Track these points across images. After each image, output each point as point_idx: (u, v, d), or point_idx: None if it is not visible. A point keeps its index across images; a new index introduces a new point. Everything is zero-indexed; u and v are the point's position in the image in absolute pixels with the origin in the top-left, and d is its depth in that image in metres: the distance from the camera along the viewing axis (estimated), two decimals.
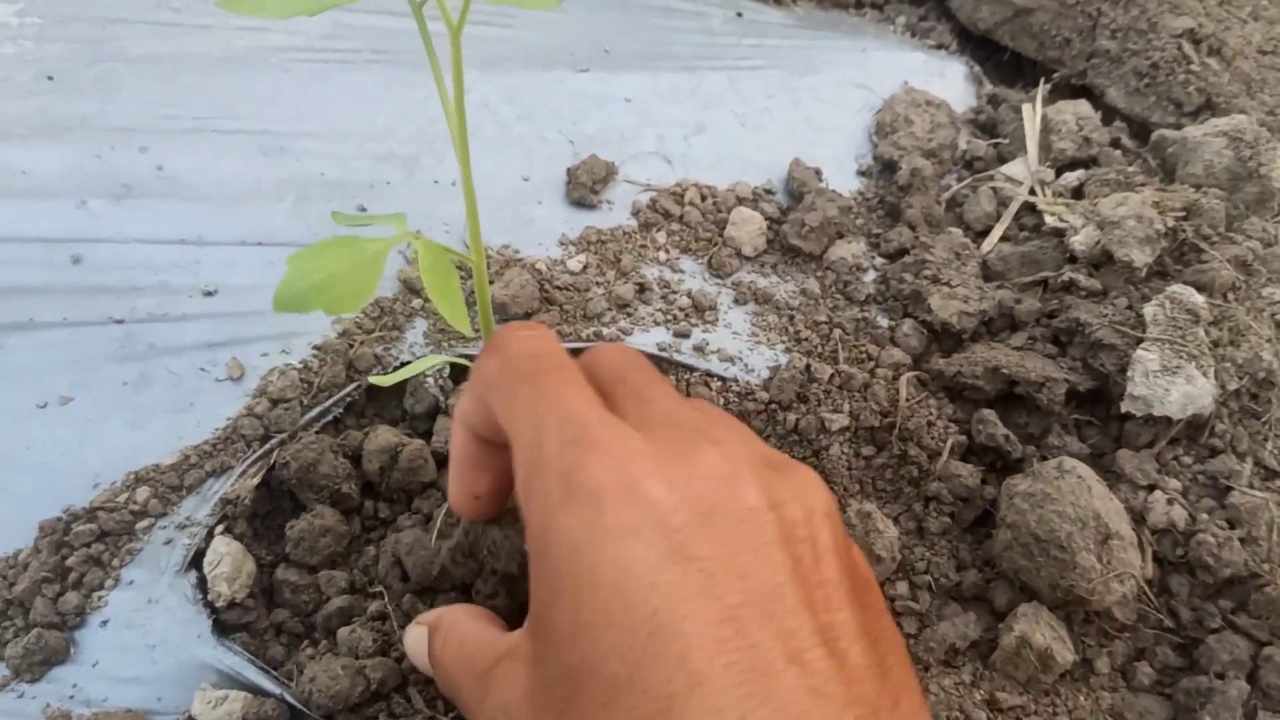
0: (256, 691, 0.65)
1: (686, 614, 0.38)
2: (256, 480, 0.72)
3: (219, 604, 0.68)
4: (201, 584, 0.69)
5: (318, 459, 0.71)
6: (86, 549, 0.69)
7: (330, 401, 0.75)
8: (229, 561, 0.68)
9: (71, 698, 0.65)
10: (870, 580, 0.47)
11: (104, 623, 0.67)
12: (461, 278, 0.81)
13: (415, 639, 0.57)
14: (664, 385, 0.51)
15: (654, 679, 0.38)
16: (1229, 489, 0.74)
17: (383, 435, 0.73)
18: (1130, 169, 0.92)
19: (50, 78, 0.88)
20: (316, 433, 0.75)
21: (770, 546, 0.41)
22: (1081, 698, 0.70)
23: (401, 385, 0.76)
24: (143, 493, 0.71)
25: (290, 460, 0.71)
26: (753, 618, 0.39)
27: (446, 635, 0.54)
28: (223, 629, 0.68)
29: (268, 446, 0.73)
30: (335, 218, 0.57)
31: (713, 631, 0.38)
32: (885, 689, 0.41)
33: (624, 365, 0.52)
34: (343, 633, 0.66)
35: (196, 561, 0.69)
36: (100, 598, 0.68)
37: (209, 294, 0.79)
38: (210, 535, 0.70)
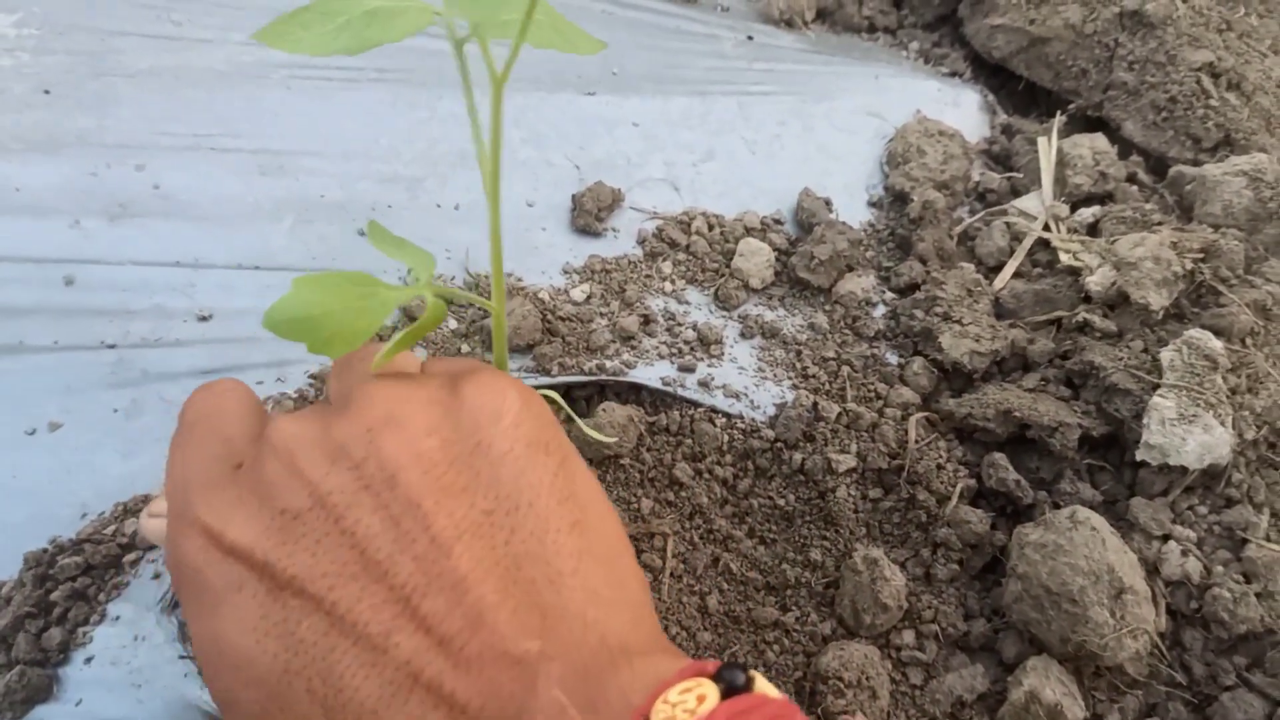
0: None
1: (296, 644, 0.38)
2: None
3: None
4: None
5: None
6: (72, 583, 0.67)
7: None
8: None
9: None
10: (483, 423, 0.43)
11: (88, 659, 0.65)
12: (480, 314, 0.80)
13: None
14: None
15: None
16: (1245, 541, 0.72)
17: None
18: (1147, 206, 0.90)
19: (47, 91, 0.86)
20: None
21: (340, 520, 0.40)
22: None
23: None
24: (131, 525, 0.69)
25: None
26: (350, 604, 0.38)
27: None
28: None
29: None
30: (371, 230, 0.54)
31: (324, 644, 0.38)
32: (509, 582, 0.39)
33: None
34: None
35: None
36: (85, 633, 0.66)
37: (204, 319, 0.77)
38: None
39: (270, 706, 0.38)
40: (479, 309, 0.81)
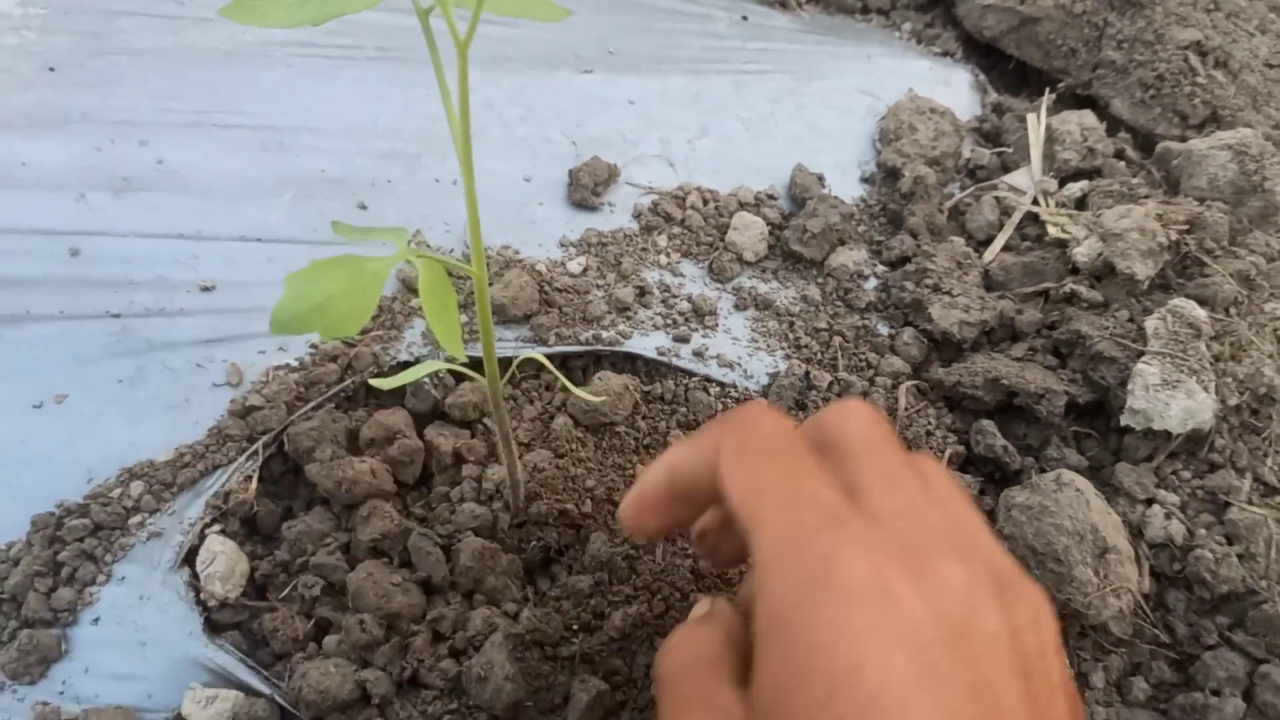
0: (247, 691, 0.65)
1: None
2: (254, 480, 0.72)
3: (212, 603, 0.68)
4: (194, 581, 0.68)
5: (314, 446, 0.72)
6: (79, 544, 0.68)
7: (324, 397, 0.75)
8: (223, 560, 0.68)
9: (62, 694, 0.64)
10: (1077, 704, 0.46)
11: (95, 620, 0.67)
12: (461, 280, 0.81)
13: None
14: (909, 467, 0.49)
15: None
16: (1228, 504, 0.74)
17: (389, 416, 0.74)
18: (1134, 181, 0.91)
19: (52, 69, 0.87)
20: (332, 409, 0.75)
21: (1010, 676, 0.41)
22: None
23: (401, 386, 0.76)
24: (136, 488, 0.71)
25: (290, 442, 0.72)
26: None
27: (688, 640, 0.51)
28: (214, 628, 0.68)
29: (261, 442, 0.73)
30: (335, 228, 0.56)
31: None
32: None
33: (876, 436, 0.50)
34: (329, 641, 0.66)
35: (189, 559, 0.69)
36: (92, 594, 0.68)
37: (207, 289, 0.79)
38: (203, 533, 0.70)
39: None
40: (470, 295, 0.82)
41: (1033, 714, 0.41)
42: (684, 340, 0.82)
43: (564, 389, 0.78)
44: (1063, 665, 0.45)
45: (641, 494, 0.55)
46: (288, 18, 0.44)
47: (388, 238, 0.54)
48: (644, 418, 0.78)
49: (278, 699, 0.65)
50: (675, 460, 0.53)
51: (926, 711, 0.39)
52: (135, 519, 0.70)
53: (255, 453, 0.73)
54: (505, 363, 0.70)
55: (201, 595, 0.68)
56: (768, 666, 0.43)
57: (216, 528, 0.70)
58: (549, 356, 0.80)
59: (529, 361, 0.79)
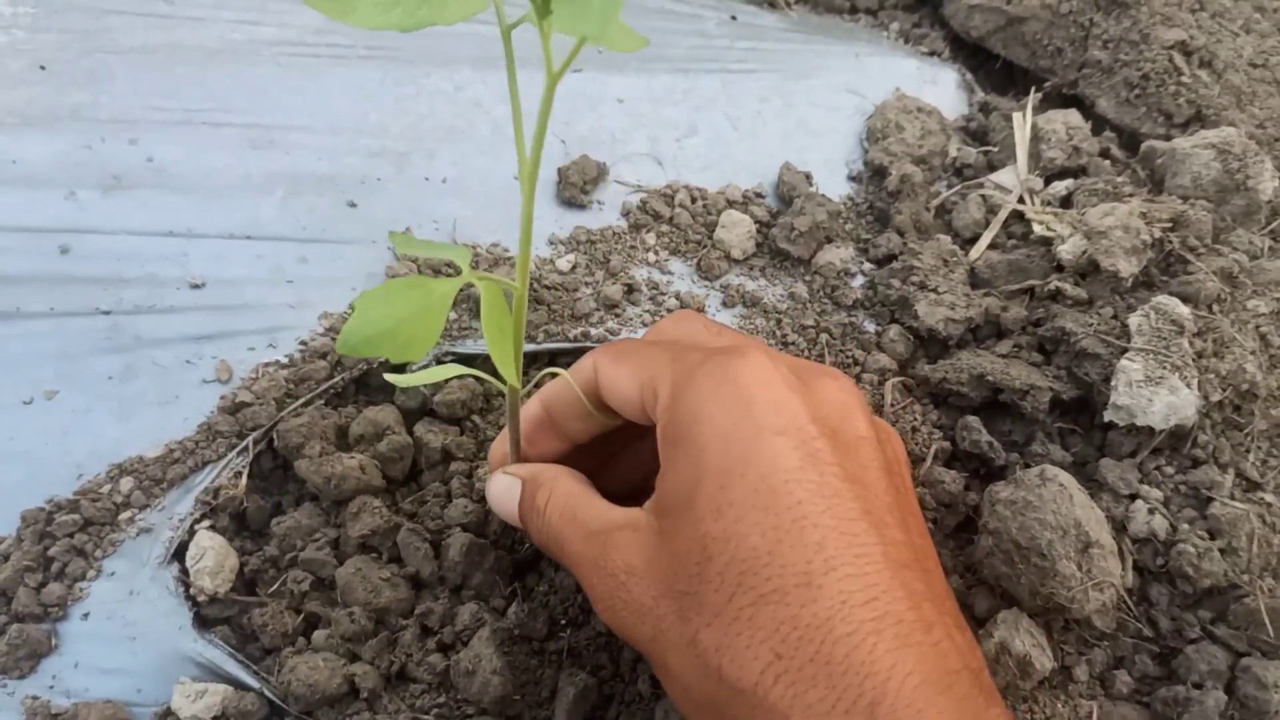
0: (237, 685, 0.65)
1: (824, 509, 0.47)
2: (244, 476, 0.72)
3: (201, 598, 0.68)
4: (184, 576, 0.69)
5: (304, 442, 0.72)
6: (69, 539, 0.69)
7: (313, 394, 0.75)
8: (212, 556, 0.68)
9: (51, 688, 0.65)
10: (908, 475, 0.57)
11: (85, 615, 0.67)
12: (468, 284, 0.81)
13: (505, 488, 0.62)
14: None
15: (794, 556, 0.45)
16: (1210, 500, 0.74)
17: (379, 413, 0.74)
18: (1119, 179, 0.92)
19: (43, 67, 0.87)
20: (321, 406, 0.76)
21: (879, 471, 0.51)
22: (1060, 705, 0.70)
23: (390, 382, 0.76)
24: (126, 484, 0.71)
25: (279, 439, 0.73)
26: (870, 526, 0.47)
27: (551, 491, 0.59)
28: (204, 622, 0.68)
29: (251, 438, 0.73)
30: (393, 239, 0.57)
31: (844, 527, 0.46)
32: (928, 552, 0.52)
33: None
34: (318, 635, 0.66)
35: (179, 554, 0.69)
36: (82, 589, 0.68)
37: (196, 286, 0.79)
38: (193, 528, 0.70)
39: (771, 534, 0.47)
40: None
41: (897, 500, 0.50)
42: None
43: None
44: (908, 471, 0.57)
45: (525, 428, 0.63)
46: (375, 19, 0.43)
47: (453, 255, 0.56)
48: None
49: (267, 693, 0.65)
50: (545, 395, 0.63)
51: (809, 489, 0.47)
52: (125, 515, 0.70)
53: (245, 449, 0.73)
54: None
55: (191, 590, 0.68)
56: (673, 470, 0.51)
57: (206, 523, 0.71)
58: (538, 354, 0.80)
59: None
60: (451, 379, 0.75)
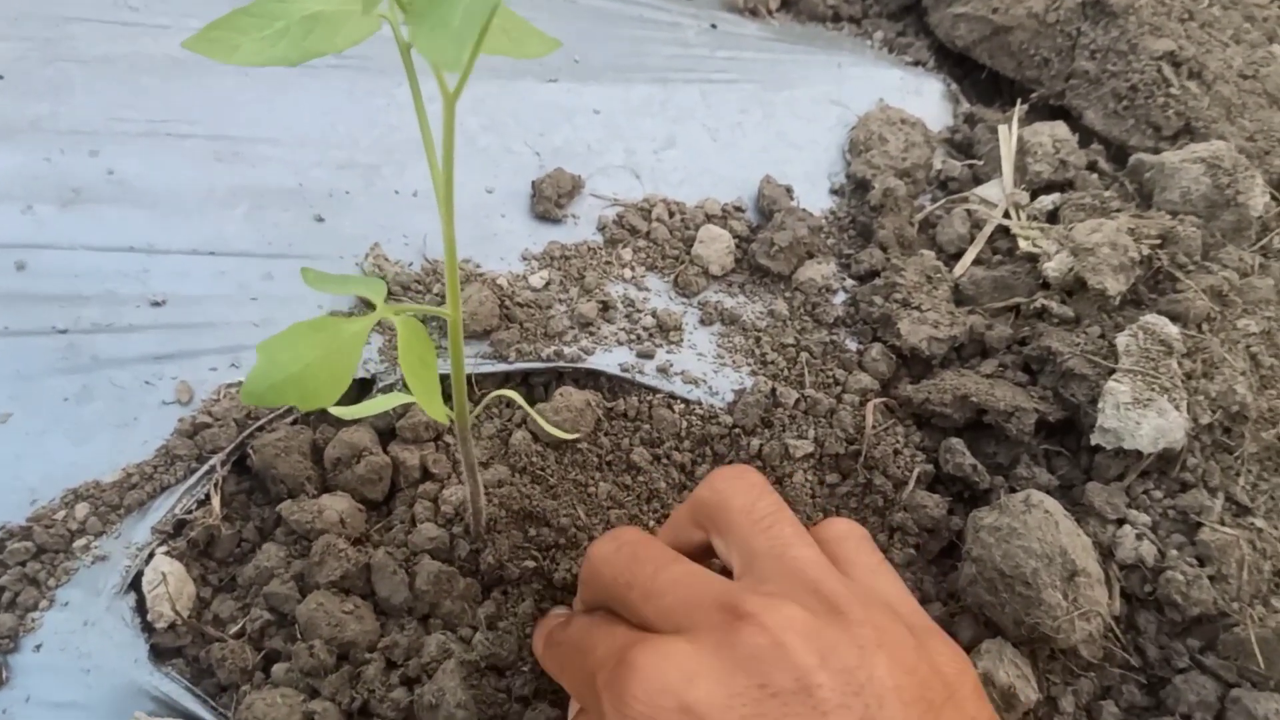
0: None
1: None
2: (215, 501, 0.70)
3: (159, 625, 0.66)
4: (140, 606, 0.66)
5: (277, 456, 0.71)
6: (21, 568, 0.66)
7: (274, 414, 0.73)
8: (171, 582, 0.66)
9: None
10: (953, 684, 0.48)
11: (38, 646, 0.65)
12: (438, 299, 0.79)
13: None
14: (744, 517, 0.55)
15: None
16: (1199, 525, 0.72)
17: (354, 434, 0.72)
18: (1106, 193, 0.90)
19: (1, 77, 0.85)
20: (290, 424, 0.74)
21: (826, 716, 0.43)
22: None
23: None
24: (82, 510, 0.69)
25: (256, 455, 0.71)
26: None
27: None
28: (160, 654, 0.66)
29: (218, 459, 0.71)
30: (305, 276, 0.54)
31: None
32: None
33: (761, 508, 0.56)
34: (277, 669, 0.64)
35: (136, 583, 0.67)
36: (34, 619, 0.66)
37: (157, 304, 0.77)
38: (151, 556, 0.68)
39: None
40: (437, 294, 0.80)
41: None
42: (648, 356, 0.81)
43: (524, 418, 0.76)
44: (906, 659, 0.47)
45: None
46: (259, 55, 0.41)
47: (364, 290, 0.53)
48: (606, 434, 0.77)
49: None
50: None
51: None
52: (80, 542, 0.68)
53: (213, 469, 0.71)
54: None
55: (149, 617, 0.66)
56: None
57: (164, 549, 0.68)
58: (509, 374, 0.78)
59: (489, 376, 0.78)
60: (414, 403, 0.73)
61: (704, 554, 0.59)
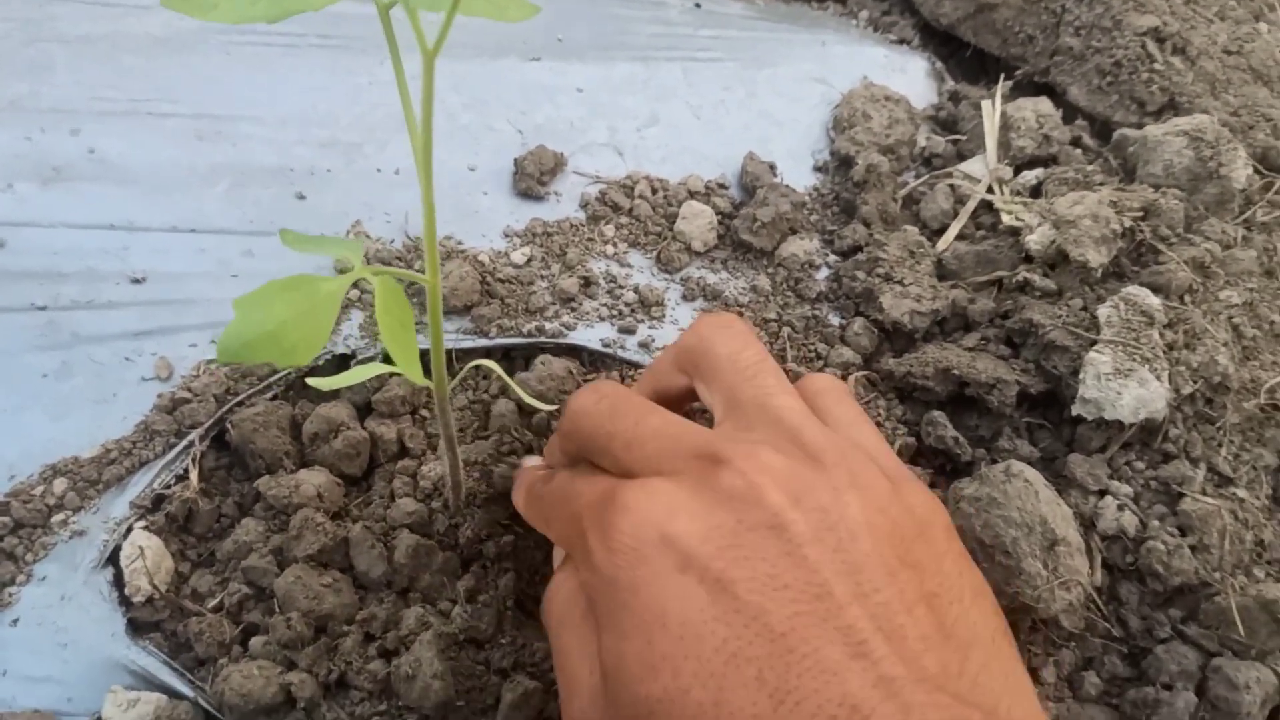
0: (170, 694, 0.63)
1: (750, 637, 0.43)
2: (193, 475, 0.70)
3: (137, 599, 0.65)
4: (118, 581, 0.66)
5: (256, 431, 0.71)
6: None
7: (253, 390, 0.73)
8: (149, 555, 0.66)
9: None
10: (925, 521, 0.50)
11: (14, 621, 0.65)
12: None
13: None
14: (729, 363, 0.57)
15: (739, 700, 0.42)
16: (1181, 495, 0.72)
17: (331, 409, 0.72)
18: (1090, 168, 0.90)
19: None
20: (269, 399, 0.74)
21: (800, 548, 0.45)
22: None
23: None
24: (60, 485, 0.68)
25: (235, 430, 0.71)
26: (809, 624, 0.43)
27: (562, 587, 0.55)
28: (137, 629, 0.66)
29: (196, 434, 0.71)
30: (284, 236, 0.53)
31: (779, 645, 0.42)
32: (950, 651, 0.45)
33: (708, 345, 0.59)
34: (255, 642, 0.64)
35: (113, 557, 0.67)
36: (11, 594, 0.65)
37: (137, 281, 0.77)
38: (129, 531, 0.68)
39: (710, 681, 0.43)
40: (419, 270, 0.80)
41: (833, 570, 0.45)
42: (630, 332, 0.80)
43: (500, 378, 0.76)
44: (862, 502, 0.48)
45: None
46: (239, 13, 0.41)
47: (342, 251, 0.53)
48: None
49: (201, 702, 0.63)
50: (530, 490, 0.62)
51: (728, 621, 0.44)
52: (58, 517, 0.68)
53: (191, 444, 0.71)
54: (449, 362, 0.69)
55: (127, 591, 0.66)
56: (602, 637, 0.48)
57: (142, 524, 0.68)
58: (490, 349, 0.78)
59: (469, 351, 0.77)
60: (390, 375, 0.73)
61: (685, 400, 0.62)
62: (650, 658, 0.44)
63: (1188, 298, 0.79)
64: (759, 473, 0.47)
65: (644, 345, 0.80)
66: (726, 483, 0.47)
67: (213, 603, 0.67)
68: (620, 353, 0.79)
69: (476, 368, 0.68)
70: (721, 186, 0.92)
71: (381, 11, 0.41)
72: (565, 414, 0.59)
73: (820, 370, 0.79)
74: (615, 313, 0.81)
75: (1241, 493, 0.73)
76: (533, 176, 0.87)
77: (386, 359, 0.75)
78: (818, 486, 0.47)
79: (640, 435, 0.53)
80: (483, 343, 0.77)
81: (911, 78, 1.07)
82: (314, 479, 0.69)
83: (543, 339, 0.78)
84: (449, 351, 0.74)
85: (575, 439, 0.58)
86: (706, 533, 0.46)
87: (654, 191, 0.90)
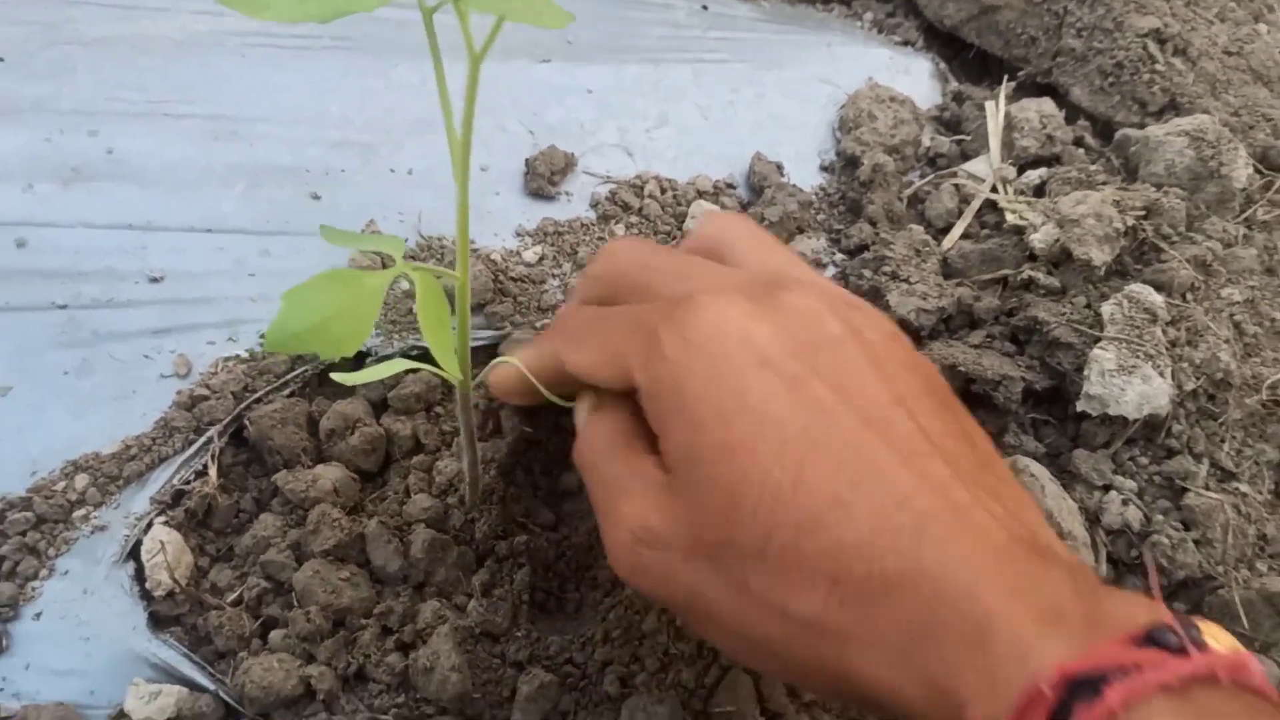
0: (191, 687, 0.64)
1: (829, 424, 0.46)
2: (212, 471, 0.71)
3: (158, 593, 0.67)
4: (139, 575, 0.67)
5: (273, 427, 0.72)
6: (21, 537, 0.67)
7: (271, 387, 0.74)
8: (169, 550, 0.67)
9: (1, 690, 0.64)
10: (944, 385, 0.54)
11: (37, 615, 0.66)
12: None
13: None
14: (751, 241, 0.61)
15: (818, 480, 0.45)
16: (1184, 490, 0.73)
17: (347, 405, 0.74)
18: (1093, 168, 0.91)
19: (2, 59, 0.86)
20: (286, 396, 0.75)
21: (866, 366, 0.49)
22: None
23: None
24: (81, 481, 0.70)
25: (252, 426, 0.72)
26: (874, 433, 0.46)
27: (598, 426, 0.58)
28: (158, 622, 0.67)
29: (214, 430, 0.72)
30: (324, 233, 0.55)
31: (856, 436, 0.46)
32: (990, 477, 0.49)
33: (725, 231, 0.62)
34: (274, 636, 0.65)
35: (134, 552, 0.68)
36: (34, 588, 0.67)
37: (155, 280, 0.78)
38: (150, 526, 0.69)
39: (790, 463, 0.45)
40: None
41: (892, 388, 0.49)
42: None
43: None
44: (907, 348, 0.54)
45: (502, 384, 0.64)
46: (291, 11, 0.42)
47: (385, 247, 0.54)
48: None
49: (222, 695, 0.64)
50: (531, 365, 0.61)
51: (807, 411, 0.47)
52: (79, 512, 0.69)
53: (210, 440, 0.72)
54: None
55: (148, 585, 0.67)
56: (670, 432, 0.50)
57: (162, 519, 0.69)
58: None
59: (480, 348, 0.78)
60: (407, 372, 0.74)
61: None
62: (729, 440, 0.47)
63: (1190, 295, 0.80)
64: (818, 299, 0.51)
65: None
66: (790, 302, 0.51)
67: (232, 597, 0.68)
68: None
69: (502, 362, 0.69)
70: (730, 186, 0.93)
71: (426, 16, 0.43)
72: (600, 255, 0.62)
73: None
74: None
75: (1244, 487, 0.74)
76: (544, 176, 0.88)
77: (405, 355, 0.76)
78: (867, 324, 0.52)
79: (687, 269, 0.57)
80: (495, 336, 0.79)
81: (916, 79, 1.08)
82: (330, 474, 0.70)
83: None
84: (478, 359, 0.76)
85: (611, 277, 0.60)
86: (783, 339, 0.49)
87: (663, 191, 0.91)
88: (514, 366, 0.61)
